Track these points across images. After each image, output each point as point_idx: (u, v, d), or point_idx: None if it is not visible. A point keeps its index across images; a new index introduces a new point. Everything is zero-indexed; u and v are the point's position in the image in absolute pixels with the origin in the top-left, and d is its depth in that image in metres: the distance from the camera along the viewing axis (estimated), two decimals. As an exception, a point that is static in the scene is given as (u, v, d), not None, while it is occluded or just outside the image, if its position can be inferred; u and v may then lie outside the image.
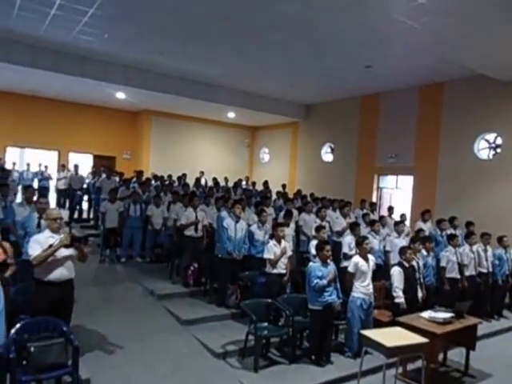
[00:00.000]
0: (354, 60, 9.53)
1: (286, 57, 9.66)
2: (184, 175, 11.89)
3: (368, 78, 10.87)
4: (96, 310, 5.83)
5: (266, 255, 5.92)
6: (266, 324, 5.29)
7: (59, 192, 12.29)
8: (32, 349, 3.55)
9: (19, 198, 9.16)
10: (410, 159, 11.52)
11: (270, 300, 5.45)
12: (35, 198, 6.19)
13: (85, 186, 12.24)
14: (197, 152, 16.19)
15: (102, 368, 4.42)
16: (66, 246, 4.15)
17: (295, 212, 8.27)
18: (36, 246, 4.09)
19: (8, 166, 12.46)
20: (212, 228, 7.82)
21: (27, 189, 6.44)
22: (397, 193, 12.49)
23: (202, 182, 13.09)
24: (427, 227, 8.33)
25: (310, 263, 5.48)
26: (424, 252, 6.46)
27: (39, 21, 8.22)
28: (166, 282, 7.25)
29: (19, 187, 10.63)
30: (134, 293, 6.85)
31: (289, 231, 6.93)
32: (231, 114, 14.88)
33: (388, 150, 12.02)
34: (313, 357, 5.17)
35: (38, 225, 5.04)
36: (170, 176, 12.11)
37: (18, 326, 3.71)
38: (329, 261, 5.29)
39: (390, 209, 9.74)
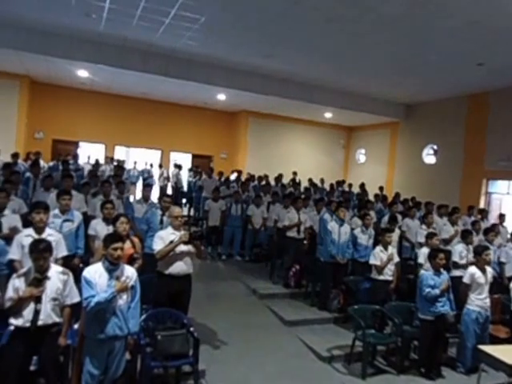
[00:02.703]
0: (464, 58, 8.87)
1: (389, 56, 9.29)
2: (280, 176, 11.98)
3: (478, 76, 10.03)
4: (204, 304, 6.08)
5: (373, 261, 5.84)
6: (372, 331, 5.19)
7: (159, 189, 13.12)
8: (159, 337, 3.84)
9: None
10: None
11: (377, 307, 5.33)
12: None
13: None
14: (291, 152, 16.20)
15: (215, 361, 4.61)
16: (185, 243, 4.41)
17: (399, 217, 7.89)
18: (159, 242, 4.43)
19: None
20: (312, 230, 7.76)
21: (145, 187, 6.99)
22: (508, 199, 11.28)
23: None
24: (546, 239, 7.38)
25: (422, 271, 5.39)
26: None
27: (154, 29, 8.87)
28: (267, 281, 7.36)
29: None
30: (236, 290, 7.07)
31: (394, 237, 6.64)
32: (328, 114, 14.66)
33: (499, 153, 10.89)
34: (422, 369, 4.99)
35: (161, 221, 5.44)
36: (266, 176, 12.31)
37: (146, 315, 4.04)
38: (442, 270, 5.12)
39: (502, 216, 8.90)
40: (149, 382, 3.80)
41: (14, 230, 4.57)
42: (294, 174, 13.49)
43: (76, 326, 3.62)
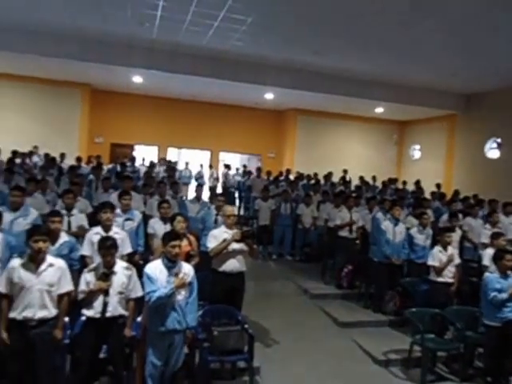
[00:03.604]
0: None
1: (445, 43, 8.78)
2: (330, 174, 11.79)
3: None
4: (256, 302, 6.05)
5: (431, 262, 5.58)
6: (432, 336, 4.95)
7: (210, 189, 13.34)
8: (215, 333, 3.94)
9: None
10: None
11: (437, 310, 5.08)
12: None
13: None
14: (341, 149, 15.89)
15: (269, 359, 4.63)
16: (237, 241, 4.49)
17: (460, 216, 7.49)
18: (213, 240, 4.56)
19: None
20: (364, 229, 7.57)
21: (197, 187, 7.18)
22: None
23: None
24: None
25: (486, 274, 5.03)
26: None
27: (203, 33, 9.08)
28: (318, 281, 7.28)
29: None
30: (288, 290, 7.05)
31: (455, 237, 6.33)
32: (379, 110, 14.20)
33: None
34: (488, 378, 4.70)
35: (215, 220, 5.57)
36: (315, 174, 12.16)
37: (202, 311, 4.15)
38: (509, 272, 4.79)
39: None
40: (206, 375, 3.91)
41: (81, 229, 4.98)
42: (344, 171, 13.22)
43: (139, 319, 3.79)
